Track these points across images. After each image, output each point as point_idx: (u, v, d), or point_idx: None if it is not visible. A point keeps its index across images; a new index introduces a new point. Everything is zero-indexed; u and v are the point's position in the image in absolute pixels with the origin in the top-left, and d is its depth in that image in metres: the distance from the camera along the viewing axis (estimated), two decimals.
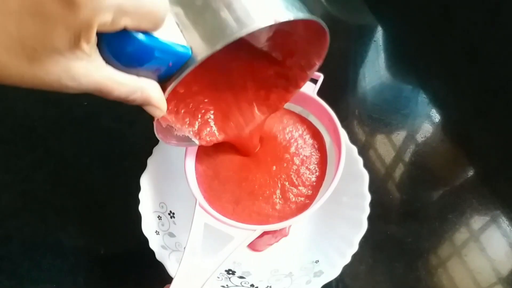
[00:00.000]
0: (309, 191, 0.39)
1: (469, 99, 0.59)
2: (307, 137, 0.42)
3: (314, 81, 0.43)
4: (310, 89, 0.42)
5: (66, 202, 0.50)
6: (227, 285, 0.42)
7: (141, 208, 0.43)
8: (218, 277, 0.43)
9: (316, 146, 0.42)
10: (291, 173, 0.40)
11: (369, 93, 0.59)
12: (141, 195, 0.43)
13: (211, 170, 0.40)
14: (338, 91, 0.59)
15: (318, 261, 0.43)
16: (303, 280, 0.42)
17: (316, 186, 0.40)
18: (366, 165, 0.45)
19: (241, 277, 0.44)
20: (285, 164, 0.40)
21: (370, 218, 0.43)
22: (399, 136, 0.56)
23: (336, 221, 0.45)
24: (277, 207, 0.38)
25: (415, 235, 0.49)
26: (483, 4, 0.66)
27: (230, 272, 0.45)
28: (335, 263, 0.41)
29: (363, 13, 0.67)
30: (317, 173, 0.40)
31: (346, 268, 0.41)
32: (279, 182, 0.39)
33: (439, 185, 0.53)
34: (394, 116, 0.57)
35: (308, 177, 0.40)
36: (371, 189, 0.44)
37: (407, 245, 0.48)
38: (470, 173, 0.54)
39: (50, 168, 0.52)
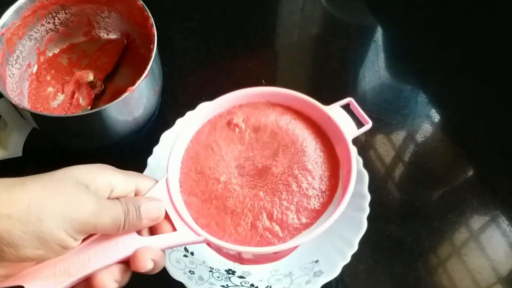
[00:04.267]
0: (289, 230, 0.35)
1: (469, 99, 0.59)
2: (323, 170, 0.37)
3: (361, 124, 0.39)
4: (351, 129, 0.38)
5: None
6: (227, 285, 0.42)
7: None
8: (218, 277, 0.43)
9: (327, 189, 0.37)
10: (284, 205, 0.36)
11: (369, 93, 0.59)
12: None
13: (198, 168, 0.37)
14: (338, 91, 0.59)
15: (318, 261, 0.43)
16: (303, 280, 0.42)
17: (298, 228, 0.35)
18: (366, 165, 0.45)
19: (241, 277, 0.44)
20: (283, 195, 0.36)
21: (370, 218, 0.43)
22: (399, 136, 0.56)
23: (336, 221, 0.45)
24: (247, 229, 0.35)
25: (415, 235, 0.49)
26: (483, 4, 0.66)
27: (230, 272, 0.45)
28: (335, 263, 0.41)
29: (363, 13, 0.67)
30: (312, 215, 0.36)
31: (346, 268, 0.41)
32: (264, 211, 0.35)
33: (439, 185, 0.53)
34: (394, 116, 0.57)
35: (298, 218, 0.36)
36: (371, 189, 0.44)
37: (406, 245, 0.48)
38: (470, 173, 0.54)
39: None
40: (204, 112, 0.39)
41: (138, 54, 0.55)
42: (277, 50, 0.64)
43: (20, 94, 0.51)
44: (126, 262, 0.31)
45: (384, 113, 0.57)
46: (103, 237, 0.30)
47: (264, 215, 0.35)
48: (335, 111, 0.38)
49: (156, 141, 0.46)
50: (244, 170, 0.37)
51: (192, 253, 0.44)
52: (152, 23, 0.48)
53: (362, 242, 0.42)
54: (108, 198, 0.30)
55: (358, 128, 0.38)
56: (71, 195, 0.28)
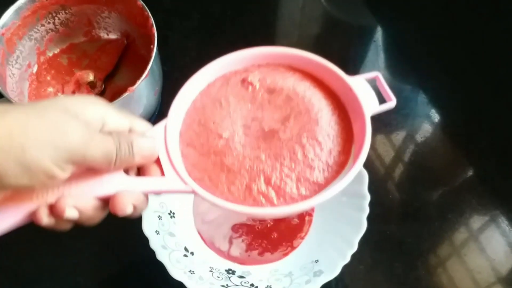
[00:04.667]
0: (284, 199, 0.33)
1: (469, 99, 0.59)
2: (334, 145, 0.35)
3: (383, 100, 0.36)
4: (372, 104, 0.35)
5: None
6: (227, 285, 0.42)
7: None
8: (218, 277, 0.43)
9: (334, 165, 0.34)
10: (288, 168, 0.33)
11: None
12: None
13: (202, 121, 0.36)
14: None
15: (317, 260, 0.43)
16: (303, 279, 0.42)
17: (295, 199, 0.33)
18: (365, 165, 0.44)
19: (241, 277, 0.44)
20: (287, 155, 0.34)
21: (369, 218, 0.43)
22: (399, 136, 0.56)
23: (336, 221, 0.45)
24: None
25: (415, 235, 0.49)
26: (483, 4, 0.66)
27: (230, 271, 0.45)
28: (335, 263, 0.41)
29: (363, 13, 0.67)
30: (313, 187, 0.33)
31: (345, 268, 0.41)
32: (262, 174, 0.33)
33: (439, 185, 0.53)
34: (393, 116, 0.57)
35: (297, 188, 0.33)
36: (371, 189, 0.44)
37: (406, 245, 0.48)
38: (470, 173, 0.54)
39: None
40: (219, 65, 0.36)
41: (138, 54, 0.55)
42: None
43: (20, 94, 0.51)
44: (105, 200, 0.30)
45: (384, 113, 0.56)
46: (89, 170, 0.29)
47: (262, 179, 0.33)
48: (358, 83, 0.36)
49: None
50: (250, 130, 0.35)
51: (192, 253, 0.44)
52: (152, 23, 0.48)
53: (362, 242, 0.42)
54: (100, 132, 0.29)
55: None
56: (57, 121, 0.26)
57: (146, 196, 0.31)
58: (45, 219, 0.28)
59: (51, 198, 0.28)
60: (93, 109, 0.29)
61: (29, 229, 0.49)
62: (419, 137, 0.56)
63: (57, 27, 0.53)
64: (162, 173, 0.32)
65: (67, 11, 0.53)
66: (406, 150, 0.55)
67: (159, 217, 0.44)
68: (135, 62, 0.55)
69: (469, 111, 0.58)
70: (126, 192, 0.29)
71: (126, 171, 0.31)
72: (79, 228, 0.49)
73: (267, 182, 0.33)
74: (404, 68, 0.62)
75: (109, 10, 0.53)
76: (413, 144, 0.55)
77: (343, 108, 0.37)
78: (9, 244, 0.47)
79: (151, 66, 0.45)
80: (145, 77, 0.45)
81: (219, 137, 0.34)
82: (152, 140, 0.31)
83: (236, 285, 0.43)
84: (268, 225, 0.48)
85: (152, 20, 0.48)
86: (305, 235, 0.47)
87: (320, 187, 0.33)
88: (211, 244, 0.46)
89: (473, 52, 0.63)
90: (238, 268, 0.45)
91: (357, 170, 0.32)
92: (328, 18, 0.67)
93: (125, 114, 0.31)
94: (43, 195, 0.28)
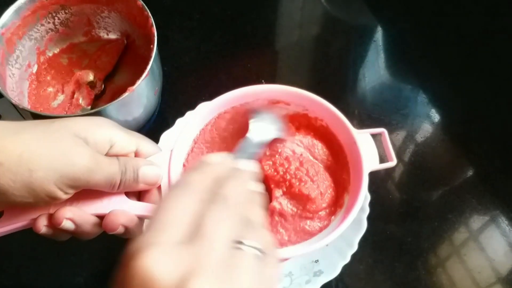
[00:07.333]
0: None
1: (469, 98, 0.59)
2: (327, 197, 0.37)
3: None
4: (372, 161, 0.36)
5: None
6: None
7: None
8: None
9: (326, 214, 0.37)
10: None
11: (369, 93, 0.59)
12: None
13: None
14: (338, 91, 0.59)
15: (317, 260, 0.43)
16: (303, 279, 0.42)
17: (283, 243, 0.35)
18: None
19: None
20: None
21: (370, 218, 0.43)
22: (399, 136, 0.56)
23: None
24: None
25: (415, 234, 0.49)
26: (483, 4, 0.66)
27: None
28: (335, 263, 0.41)
29: (363, 13, 0.67)
30: (301, 235, 0.36)
31: (345, 268, 0.41)
32: None
33: (439, 185, 0.53)
34: (394, 116, 0.57)
35: (288, 235, 0.35)
36: (371, 189, 0.44)
37: (406, 244, 0.48)
38: (470, 173, 0.54)
39: None
40: (229, 97, 0.38)
41: (138, 54, 0.55)
42: (277, 50, 0.64)
43: (20, 94, 0.51)
44: (102, 218, 0.31)
45: (384, 113, 0.57)
46: (92, 190, 0.30)
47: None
48: (363, 139, 0.36)
49: (156, 141, 0.46)
50: None
51: None
52: (152, 23, 0.48)
53: (362, 242, 0.42)
54: (107, 154, 0.30)
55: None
56: (65, 149, 0.27)
57: (142, 219, 0.32)
58: (43, 229, 0.30)
59: (52, 210, 0.30)
60: (102, 132, 0.30)
61: (29, 230, 0.49)
62: (419, 137, 0.56)
63: (57, 27, 0.53)
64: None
65: (67, 11, 0.53)
66: (406, 150, 0.55)
67: None
68: (135, 62, 0.55)
69: (469, 111, 0.58)
70: (120, 212, 0.30)
71: (127, 193, 0.32)
72: None
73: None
74: (404, 68, 0.62)
75: (109, 10, 0.53)
76: (413, 144, 0.55)
77: (344, 157, 0.38)
78: (9, 244, 0.47)
79: (151, 66, 0.45)
80: (145, 77, 0.45)
81: None
82: (158, 168, 0.32)
83: None
84: None
85: (152, 20, 0.48)
86: None
87: (308, 234, 0.35)
88: None
89: (473, 52, 0.63)
90: None
91: (345, 226, 0.33)
92: (328, 18, 0.67)
93: (132, 136, 0.32)
94: (46, 207, 0.30)
